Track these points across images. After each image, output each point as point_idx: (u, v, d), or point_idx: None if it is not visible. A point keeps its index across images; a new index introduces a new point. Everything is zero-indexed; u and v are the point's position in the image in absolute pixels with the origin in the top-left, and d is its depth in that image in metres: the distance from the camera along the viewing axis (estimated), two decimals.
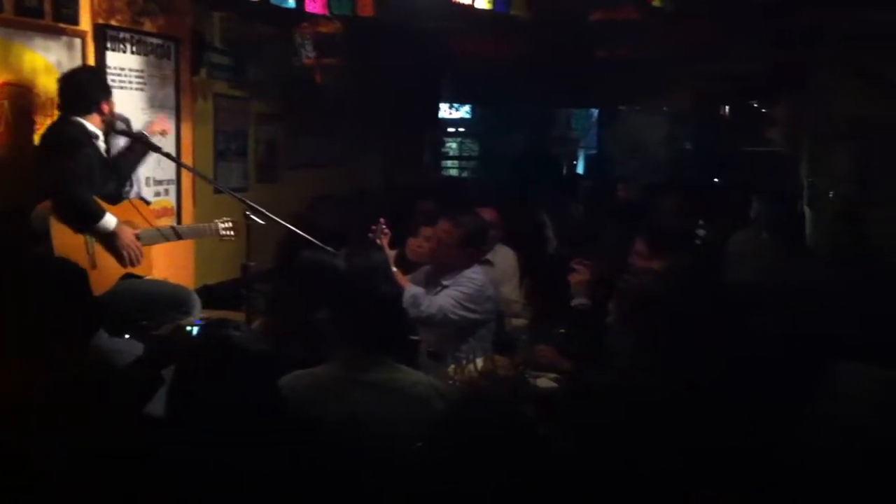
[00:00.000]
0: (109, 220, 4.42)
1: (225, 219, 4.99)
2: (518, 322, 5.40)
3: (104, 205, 4.45)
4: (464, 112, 12.75)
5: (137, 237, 4.57)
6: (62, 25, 4.81)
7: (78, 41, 4.91)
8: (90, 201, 4.38)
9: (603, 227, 6.59)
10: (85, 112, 4.52)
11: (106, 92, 4.66)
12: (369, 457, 2.72)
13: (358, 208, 6.88)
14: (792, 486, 2.78)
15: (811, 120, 4.77)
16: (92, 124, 4.54)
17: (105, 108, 4.59)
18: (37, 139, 4.64)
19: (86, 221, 4.35)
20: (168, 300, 4.61)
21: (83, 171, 4.37)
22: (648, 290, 3.80)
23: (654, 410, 2.89)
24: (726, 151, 8.85)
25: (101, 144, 4.62)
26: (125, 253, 4.49)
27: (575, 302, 4.87)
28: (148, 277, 4.73)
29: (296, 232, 4.72)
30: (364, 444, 2.79)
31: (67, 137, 4.41)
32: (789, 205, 5.06)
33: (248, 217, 4.61)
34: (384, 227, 4.96)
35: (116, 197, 4.70)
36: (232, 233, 4.95)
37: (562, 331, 4.59)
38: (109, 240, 4.45)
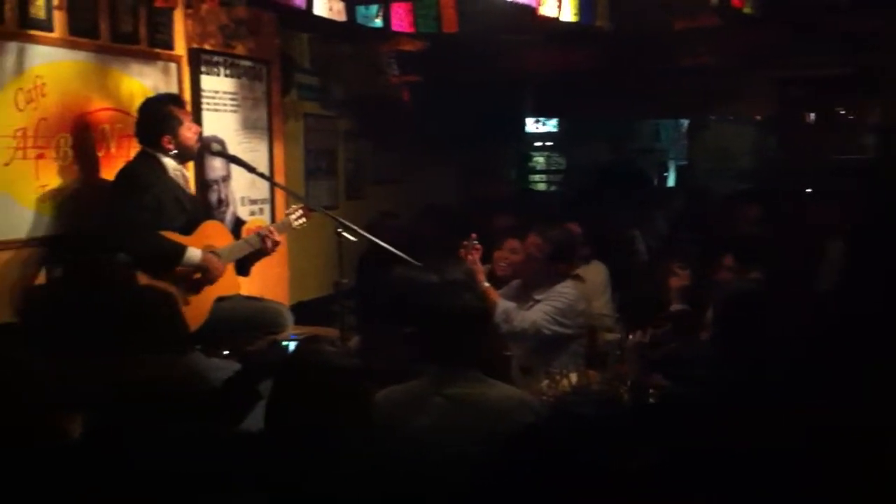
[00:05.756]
0: (193, 254, 4.29)
1: (292, 208, 4.95)
2: (610, 337, 5.35)
3: (180, 238, 4.33)
4: (550, 126, 12.69)
5: (218, 256, 4.44)
6: (157, 51, 4.89)
7: (173, 66, 5.00)
8: (164, 245, 4.25)
9: (691, 238, 6.51)
10: (154, 144, 4.40)
11: (169, 124, 4.40)
12: (451, 471, 2.71)
13: (444, 223, 6.91)
14: None
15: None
16: (165, 155, 4.41)
17: (165, 140, 4.38)
18: None
19: (169, 264, 4.21)
20: (261, 317, 4.64)
21: (146, 217, 4.21)
22: (750, 298, 3.78)
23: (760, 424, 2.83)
24: (815, 159, 8.59)
25: (177, 174, 4.47)
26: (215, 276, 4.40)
27: (674, 307, 4.82)
28: (241, 296, 4.74)
29: (382, 247, 4.68)
30: (446, 458, 2.78)
31: (133, 181, 4.28)
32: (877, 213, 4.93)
33: (339, 234, 4.59)
34: (475, 241, 4.97)
35: (190, 227, 4.48)
36: (304, 220, 4.88)
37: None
38: (198, 271, 4.35)
